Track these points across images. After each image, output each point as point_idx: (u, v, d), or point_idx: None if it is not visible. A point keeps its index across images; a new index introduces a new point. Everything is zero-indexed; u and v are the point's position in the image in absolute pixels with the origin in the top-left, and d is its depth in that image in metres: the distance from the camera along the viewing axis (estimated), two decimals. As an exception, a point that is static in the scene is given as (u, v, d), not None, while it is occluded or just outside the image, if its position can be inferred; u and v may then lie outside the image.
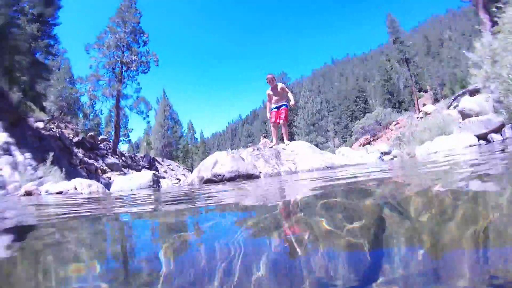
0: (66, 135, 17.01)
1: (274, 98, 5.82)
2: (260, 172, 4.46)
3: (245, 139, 61.15)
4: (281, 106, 5.81)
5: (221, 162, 5.28)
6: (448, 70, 46.66)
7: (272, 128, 6.00)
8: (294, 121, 31.65)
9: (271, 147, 5.52)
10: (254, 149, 5.66)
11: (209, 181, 4.48)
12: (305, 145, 5.45)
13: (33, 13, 18.60)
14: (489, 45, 5.53)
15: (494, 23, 6.06)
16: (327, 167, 4.68)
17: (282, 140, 6.01)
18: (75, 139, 17.17)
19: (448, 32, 62.25)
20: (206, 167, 7.03)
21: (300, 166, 4.58)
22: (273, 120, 5.82)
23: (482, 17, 12.83)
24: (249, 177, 4.24)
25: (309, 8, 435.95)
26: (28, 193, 5.14)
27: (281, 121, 5.72)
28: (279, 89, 5.80)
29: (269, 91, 5.85)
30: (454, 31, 59.78)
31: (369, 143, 22.75)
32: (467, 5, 27.29)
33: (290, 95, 5.90)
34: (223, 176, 4.28)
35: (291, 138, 30.52)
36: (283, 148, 5.20)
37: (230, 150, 6.69)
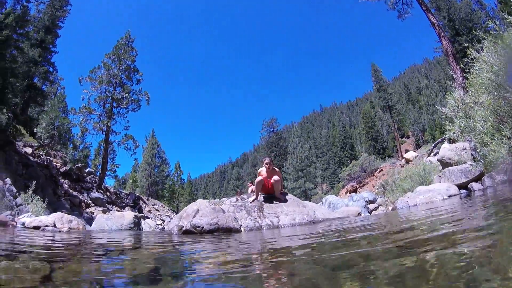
0: (54, 163, 16.41)
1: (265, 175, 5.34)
2: (241, 225, 4.32)
3: (234, 182, 60.27)
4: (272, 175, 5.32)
5: (202, 212, 5.12)
6: (427, 116, 49.23)
7: (257, 183, 5.27)
8: (283, 167, 31.81)
9: (252, 201, 5.11)
10: (237, 199, 5.53)
11: (188, 232, 4.31)
12: (287, 197, 5.34)
13: (36, 39, 19.06)
14: (461, 100, 5.72)
15: (465, 73, 6.34)
16: (310, 221, 4.60)
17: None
18: (62, 169, 16.55)
19: (425, 81, 67.03)
20: (188, 214, 6.84)
21: (282, 221, 4.49)
22: (264, 176, 5.25)
23: (453, 68, 13.41)
24: (229, 230, 4.09)
25: (301, 56, 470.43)
26: (2, 223, 4.52)
27: (276, 177, 5.14)
28: (270, 170, 5.31)
29: (262, 172, 5.33)
30: (430, 79, 64.40)
31: (355, 190, 22.87)
32: (440, 55, 29.82)
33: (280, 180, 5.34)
34: (202, 228, 4.12)
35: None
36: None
37: (212, 199, 6.47)
